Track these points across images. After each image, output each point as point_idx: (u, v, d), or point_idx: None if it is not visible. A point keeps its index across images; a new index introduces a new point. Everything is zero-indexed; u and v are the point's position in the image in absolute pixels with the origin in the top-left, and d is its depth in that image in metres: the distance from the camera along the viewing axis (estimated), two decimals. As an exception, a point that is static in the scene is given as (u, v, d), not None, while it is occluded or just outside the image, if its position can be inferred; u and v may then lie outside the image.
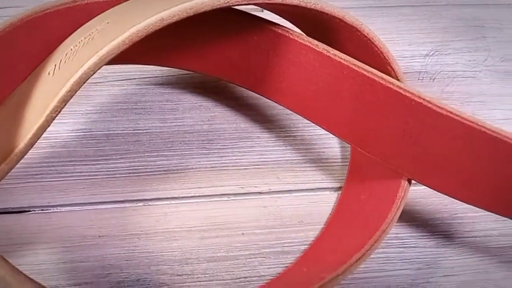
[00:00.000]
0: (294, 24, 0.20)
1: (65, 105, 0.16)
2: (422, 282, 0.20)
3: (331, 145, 0.23)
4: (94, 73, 0.16)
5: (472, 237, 0.21)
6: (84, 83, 0.16)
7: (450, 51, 0.26)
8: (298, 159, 0.23)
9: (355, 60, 0.18)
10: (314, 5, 0.17)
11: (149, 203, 0.21)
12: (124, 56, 0.16)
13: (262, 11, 0.22)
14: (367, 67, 0.17)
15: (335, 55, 0.17)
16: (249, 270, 0.20)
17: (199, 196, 0.21)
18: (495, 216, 0.21)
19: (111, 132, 0.22)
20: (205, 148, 0.22)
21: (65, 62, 0.17)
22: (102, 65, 0.16)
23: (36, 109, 0.17)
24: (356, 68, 0.17)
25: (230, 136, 0.23)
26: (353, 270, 0.17)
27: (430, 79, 0.25)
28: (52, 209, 0.20)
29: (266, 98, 0.21)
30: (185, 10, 0.15)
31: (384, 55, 0.18)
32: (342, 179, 0.22)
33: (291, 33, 0.18)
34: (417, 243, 0.21)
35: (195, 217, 0.21)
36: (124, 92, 0.23)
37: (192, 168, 0.22)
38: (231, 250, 0.20)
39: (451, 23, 0.27)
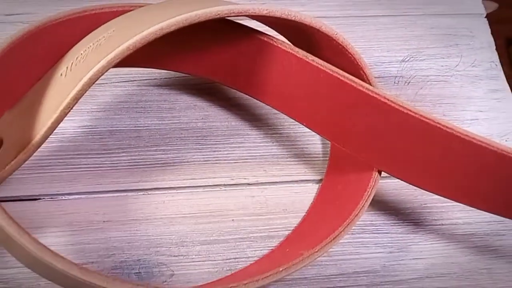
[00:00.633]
0: (279, 32, 0.22)
1: (76, 102, 0.18)
2: (394, 264, 0.23)
3: (313, 141, 0.25)
4: (102, 74, 0.18)
5: (439, 225, 0.24)
6: (93, 83, 0.18)
7: (425, 57, 0.28)
8: (283, 154, 0.25)
9: (331, 65, 0.20)
10: (294, 17, 0.19)
11: (149, 192, 0.23)
12: (127, 60, 0.19)
13: (250, 20, 0.24)
14: (341, 72, 0.20)
15: (313, 60, 0.20)
16: (238, 252, 0.22)
17: (194, 186, 0.24)
18: (460, 207, 0.23)
19: (114, 128, 0.24)
20: (199, 143, 0.25)
21: (75, 65, 0.19)
22: (110, 68, 0.18)
23: (50, 106, 0.19)
24: (331, 73, 0.20)
25: (222, 133, 0.25)
26: (328, 248, 0.19)
27: (405, 83, 0.27)
28: (60, 197, 0.23)
29: (254, 98, 0.23)
30: (182, 21, 0.18)
31: (357, 61, 0.20)
32: (322, 172, 0.24)
33: (275, 41, 0.21)
34: (389, 230, 0.23)
35: (190, 205, 0.23)
36: (126, 92, 0.26)
37: (188, 161, 0.24)
38: (222, 234, 0.22)
39: (426, 31, 0.29)
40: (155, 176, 0.23)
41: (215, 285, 0.18)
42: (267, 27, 0.22)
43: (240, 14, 0.19)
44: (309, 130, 0.24)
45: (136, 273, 0.21)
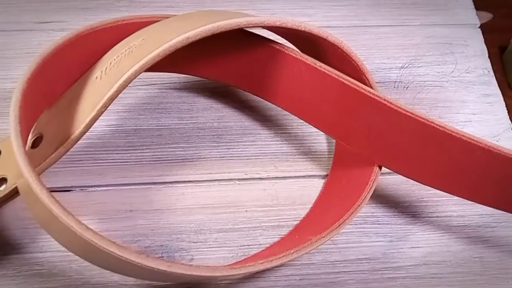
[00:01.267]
0: (288, 41, 0.25)
1: (111, 102, 0.21)
2: (393, 252, 0.25)
3: (319, 140, 0.28)
4: (135, 78, 0.20)
5: (435, 217, 0.26)
6: (127, 85, 0.20)
7: (422, 64, 0.31)
8: (292, 152, 0.27)
9: (337, 71, 0.22)
10: (304, 28, 0.21)
11: (170, 185, 0.25)
12: (152, 65, 0.21)
13: (261, 29, 0.26)
14: (346, 77, 0.22)
15: (320, 66, 0.22)
16: (251, 239, 0.24)
17: (211, 180, 0.26)
18: (454, 201, 0.26)
19: (138, 127, 0.27)
20: (216, 141, 0.27)
21: (110, 69, 0.21)
22: (141, 72, 0.20)
23: (87, 105, 0.21)
24: (337, 78, 0.22)
25: (236, 132, 0.27)
26: (334, 234, 0.21)
27: (404, 87, 0.30)
28: (90, 188, 0.25)
29: (266, 101, 0.26)
30: (206, 31, 0.20)
31: (360, 67, 0.22)
32: (327, 168, 0.27)
33: (286, 49, 0.23)
34: (389, 221, 0.26)
35: (207, 196, 0.25)
36: (148, 95, 0.28)
37: (205, 158, 0.26)
38: (236, 224, 0.25)
39: (423, 40, 0.31)
40: (176, 170, 0.26)
41: (235, 265, 0.20)
42: (276, 35, 0.25)
43: (257, 25, 0.21)
44: (316, 130, 0.26)
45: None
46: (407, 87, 0.30)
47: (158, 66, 0.24)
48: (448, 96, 0.30)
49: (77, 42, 0.22)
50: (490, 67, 0.31)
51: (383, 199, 0.26)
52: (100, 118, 0.27)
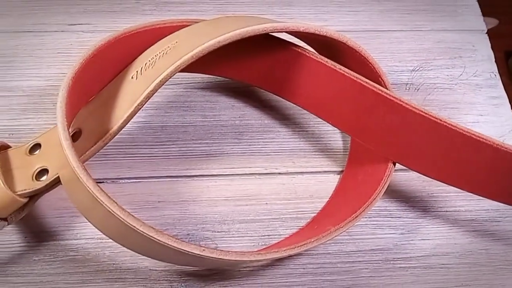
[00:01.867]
0: (308, 44, 0.26)
1: (148, 100, 0.22)
2: (404, 243, 0.26)
3: (335, 138, 0.29)
4: (170, 78, 0.22)
5: (444, 211, 0.27)
6: (163, 84, 0.22)
7: (432, 67, 0.32)
8: (309, 148, 0.29)
9: (355, 73, 0.24)
10: (325, 33, 0.23)
11: (195, 179, 0.27)
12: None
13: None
14: (363, 78, 0.24)
15: (340, 69, 0.24)
16: (271, 230, 0.26)
17: (233, 174, 0.27)
18: (462, 196, 0.27)
19: (164, 124, 0.28)
20: (237, 138, 0.28)
21: (145, 70, 0.23)
22: (176, 73, 0.22)
23: (125, 103, 0.23)
24: (355, 79, 0.24)
25: (257, 129, 0.29)
26: (351, 225, 0.23)
27: (415, 89, 0.31)
28: (121, 180, 0.27)
29: (286, 100, 0.27)
30: (235, 35, 0.22)
31: (376, 70, 0.24)
32: (343, 164, 0.28)
33: (307, 52, 0.25)
34: (401, 215, 0.27)
35: (230, 189, 0.27)
36: (174, 94, 0.30)
37: (227, 153, 0.28)
38: (257, 215, 0.26)
39: (433, 45, 0.33)
40: (200, 165, 0.27)
41: (261, 251, 0.21)
42: (295, 38, 0.26)
43: (282, 30, 0.23)
44: (332, 128, 0.28)
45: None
46: (418, 89, 0.31)
47: (187, 67, 0.26)
48: (457, 98, 0.31)
49: (115, 44, 0.23)
50: (497, 71, 0.33)
51: (395, 194, 0.28)
52: (129, 115, 0.29)
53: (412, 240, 0.26)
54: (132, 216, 0.19)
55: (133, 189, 0.26)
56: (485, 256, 0.26)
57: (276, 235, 0.26)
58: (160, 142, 0.28)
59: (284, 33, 0.25)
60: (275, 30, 0.22)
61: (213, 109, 0.29)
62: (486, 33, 0.34)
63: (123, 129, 0.28)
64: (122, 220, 0.19)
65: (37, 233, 0.25)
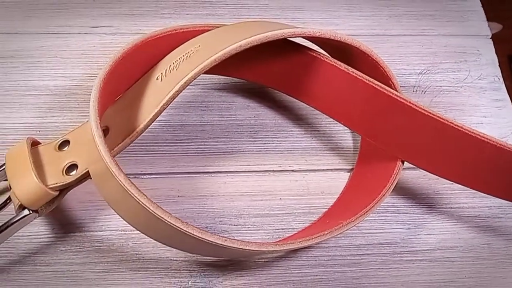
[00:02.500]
0: (323, 49, 0.28)
1: (172, 100, 0.24)
2: (411, 238, 0.28)
3: (345, 137, 0.31)
4: (194, 80, 0.23)
5: (449, 208, 0.29)
6: (187, 86, 0.23)
7: (439, 70, 0.33)
8: (321, 147, 0.30)
9: (366, 76, 0.25)
10: (340, 38, 0.24)
11: (213, 175, 0.28)
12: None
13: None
14: (374, 81, 0.25)
15: (352, 72, 0.25)
16: (285, 224, 0.27)
17: (248, 171, 0.29)
18: (466, 194, 0.29)
19: (183, 122, 0.30)
20: (252, 137, 0.30)
21: (169, 72, 0.25)
22: (199, 75, 0.23)
23: (150, 102, 0.24)
24: (367, 82, 0.25)
25: (271, 128, 0.30)
26: (361, 220, 0.24)
27: (422, 92, 0.33)
28: (143, 176, 0.28)
29: (300, 101, 0.29)
30: (256, 40, 0.23)
31: (387, 73, 0.25)
32: (353, 163, 0.30)
33: (321, 56, 0.26)
34: (408, 210, 0.28)
35: (246, 185, 0.28)
36: (192, 94, 0.31)
37: (243, 151, 0.29)
38: (272, 210, 0.28)
39: (440, 49, 0.34)
40: (218, 162, 0.29)
41: (277, 243, 0.23)
42: (309, 42, 0.27)
43: (299, 36, 0.24)
44: (343, 128, 0.29)
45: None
46: (425, 91, 0.33)
47: (209, 69, 0.27)
48: (462, 100, 0.33)
49: (141, 47, 0.25)
50: (500, 74, 0.34)
51: (403, 191, 0.29)
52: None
53: (418, 234, 0.28)
54: (161, 208, 0.20)
55: (154, 184, 0.28)
56: (487, 250, 0.28)
57: (289, 228, 0.27)
58: (179, 140, 0.29)
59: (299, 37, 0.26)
60: (293, 35, 0.24)
61: (229, 109, 0.31)
62: (490, 38, 0.35)
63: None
64: (152, 212, 0.20)
65: (64, 225, 0.26)
